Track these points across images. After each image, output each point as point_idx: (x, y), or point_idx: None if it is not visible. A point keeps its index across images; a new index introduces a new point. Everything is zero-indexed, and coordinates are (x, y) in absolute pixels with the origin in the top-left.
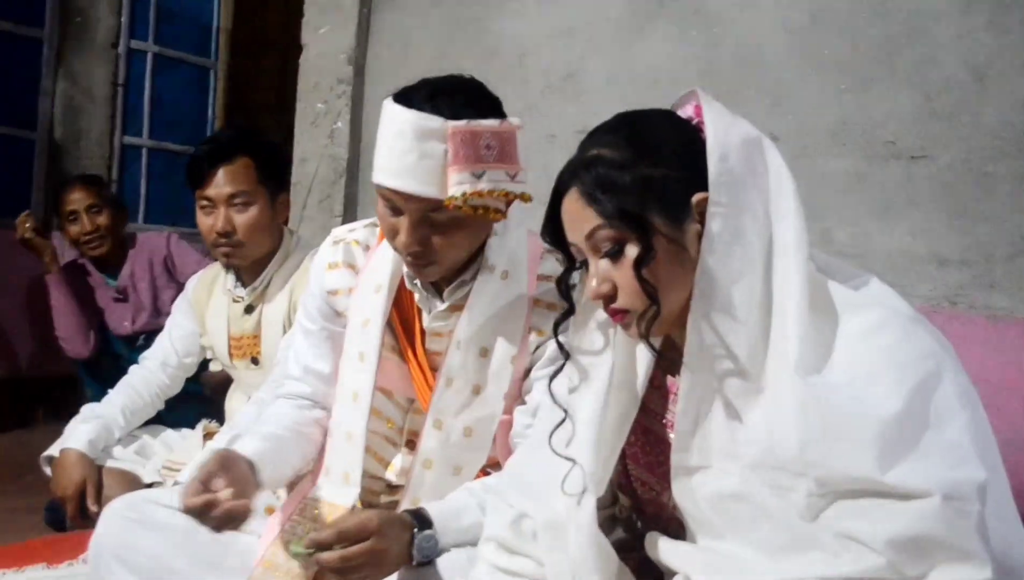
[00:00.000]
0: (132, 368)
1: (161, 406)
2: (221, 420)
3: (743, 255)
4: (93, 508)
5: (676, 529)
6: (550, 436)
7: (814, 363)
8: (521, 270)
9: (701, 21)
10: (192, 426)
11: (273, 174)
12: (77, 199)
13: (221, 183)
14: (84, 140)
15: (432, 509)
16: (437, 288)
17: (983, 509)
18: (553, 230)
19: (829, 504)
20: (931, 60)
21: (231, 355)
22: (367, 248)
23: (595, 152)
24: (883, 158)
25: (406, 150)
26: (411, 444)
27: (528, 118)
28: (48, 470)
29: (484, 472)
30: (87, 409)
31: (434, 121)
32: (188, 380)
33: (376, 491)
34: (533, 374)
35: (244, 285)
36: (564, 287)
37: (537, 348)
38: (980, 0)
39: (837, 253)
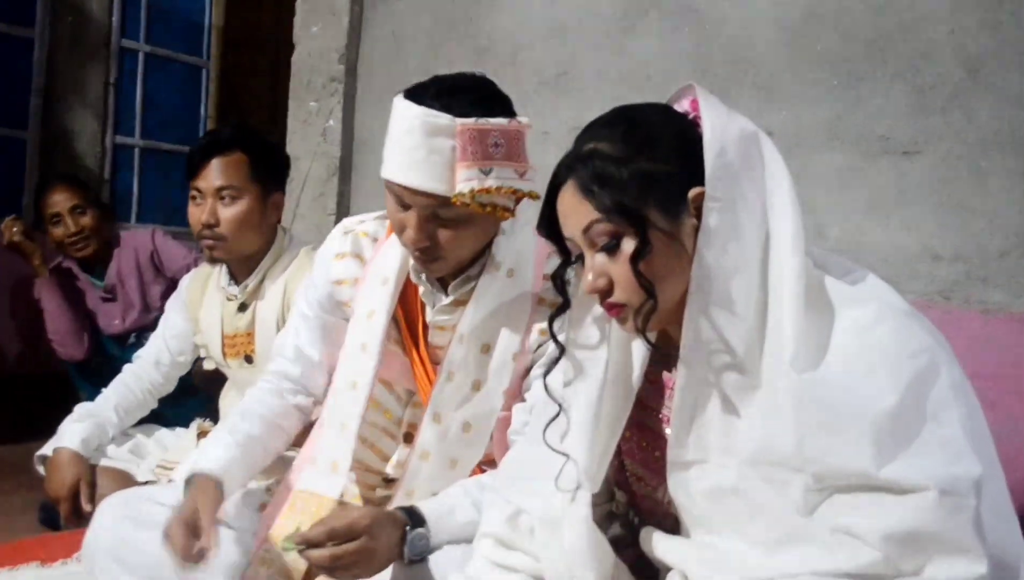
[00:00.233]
0: (125, 367)
1: (155, 405)
2: (216, 419)
3: (740, 250)
4: (87, 507)
5: (672, 524)
6: (544, 430)
7: (810, 358)
8: (527, 268)
9: (693, 17)
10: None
11: (267, 172)
12: (59, 201)
13: (212, 175)
14: (76, 140)
15: (425, 506)
16: (442, 282)
17: (979, 504)
18: (549, 224)
19: (825, 499)
20: (924, 55)
21: (225, 353)
22: (375, 240)
23: (592, 146)
24: (876, 153)
25: (415, 146)
26: (409, 438)
27: (521, 115)
28: (41, 469)
29: (480, 469)
30: (80, 408)
31: (443, 118)
32: (181, 377)
33: (372, 485)
34: (533, 372)
35: (237, 283)
36: (559, 282)
37: (539, 346)
38: None
39: (830, 248)
